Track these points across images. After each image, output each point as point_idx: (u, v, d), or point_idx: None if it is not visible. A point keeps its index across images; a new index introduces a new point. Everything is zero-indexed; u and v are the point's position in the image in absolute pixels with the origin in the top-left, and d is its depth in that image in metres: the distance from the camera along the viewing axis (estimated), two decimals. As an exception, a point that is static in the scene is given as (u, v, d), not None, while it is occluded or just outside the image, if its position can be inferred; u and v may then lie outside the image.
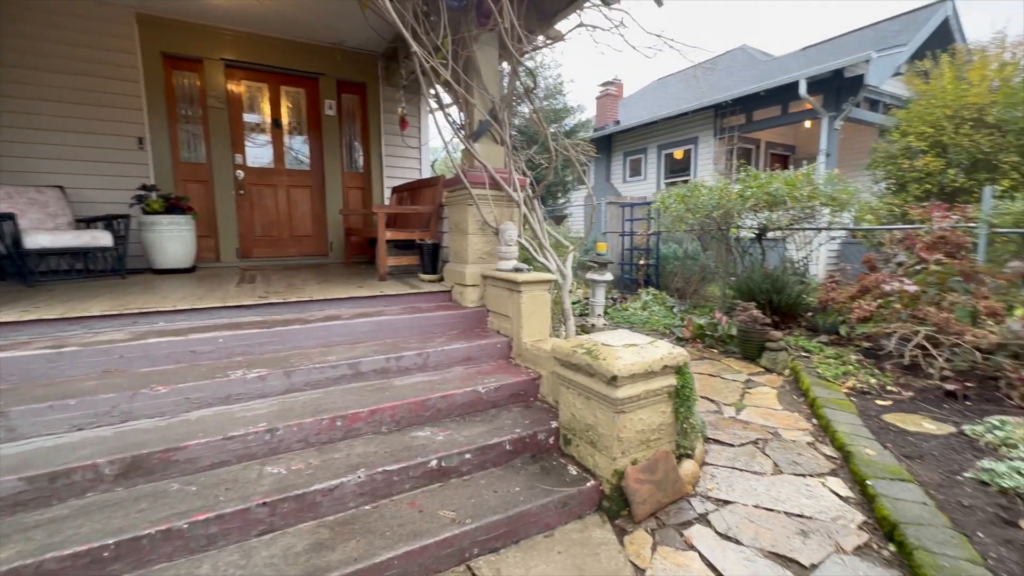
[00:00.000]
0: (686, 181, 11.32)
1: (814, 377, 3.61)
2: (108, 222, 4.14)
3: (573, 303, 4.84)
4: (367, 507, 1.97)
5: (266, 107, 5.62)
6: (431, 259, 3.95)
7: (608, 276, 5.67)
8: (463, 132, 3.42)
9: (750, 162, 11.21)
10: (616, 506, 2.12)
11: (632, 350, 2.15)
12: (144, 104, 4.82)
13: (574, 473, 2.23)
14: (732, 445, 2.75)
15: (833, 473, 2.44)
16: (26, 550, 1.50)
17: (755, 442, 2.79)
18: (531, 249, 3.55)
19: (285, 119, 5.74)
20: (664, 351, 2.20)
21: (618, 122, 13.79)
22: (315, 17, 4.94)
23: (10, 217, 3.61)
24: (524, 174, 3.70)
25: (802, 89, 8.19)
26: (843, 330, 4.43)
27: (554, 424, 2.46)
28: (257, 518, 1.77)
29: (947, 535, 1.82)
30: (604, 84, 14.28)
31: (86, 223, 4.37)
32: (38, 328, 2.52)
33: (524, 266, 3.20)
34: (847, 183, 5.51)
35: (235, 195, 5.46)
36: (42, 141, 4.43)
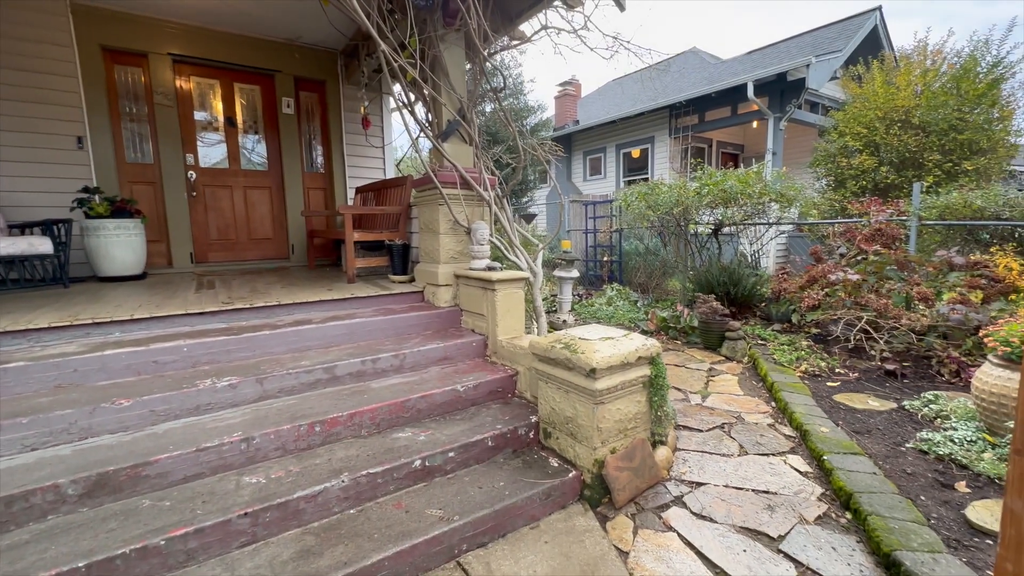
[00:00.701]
0: (645, 179, 11.69)
1: (771, 363, 3.84)
2: (47, 227, 3.85)
3: (542, 300, 4.88)
4: (352, 511, 1.95)
5: (219, 105, 5.38)
6: (401, 260, 3.91)
7: (575, 273, 5.79)
8: (431, 131, 3.41)
9: (703, 160, 11.70)
10: (597, 494, 2.19)
11: (608, 343, 2.23)
12: (83, 101, 4.50)
13: (555, 465, 2.29)
14: (700, 430, 2.90)
15: (793, 451, 2.62)
16: (-15, 580, 1.40)
17: (721, 426, 2.95)
18: (502, 248, 3.60)
19: (240, 117, 5.51)
20: (639, 343, 2.30)
21: (577, 122, 14.04)
22: (269, 11, 4.77)
23: (-67, 224, 3.30)
24: (492, 173, 3.73)
25: (750, 91, 8.63)
26: (795, 318, 4.73)
27: (533, 419, 2.51)
28: (239, 529, 1.72)
29: (895, 500, 2.00)
30: (563, 84, 14.49)
31: (20, 229, 4.05)
32: (-23, 343, 2.33)
33: (497, 265, 3.23)
34: (793, 180, 5.87)
35: (187, 197, 5.19)
36: (-34, 140, 4.07)
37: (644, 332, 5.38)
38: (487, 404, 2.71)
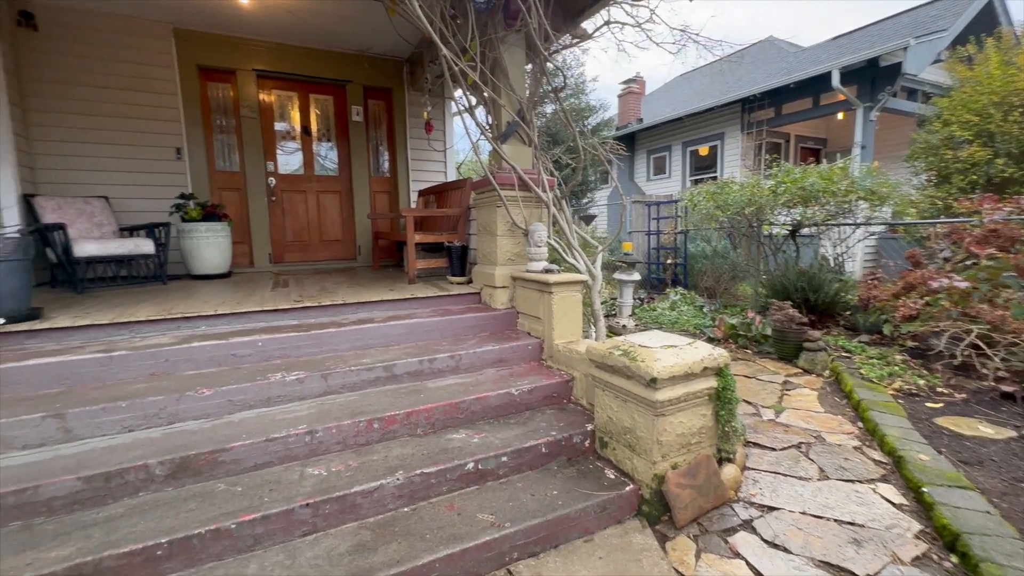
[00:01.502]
0: (713, 178, 11.11)
1: (857, 378, 3.47)
2: (150, 230, 4.30)
3: (601, 303, 4.71)
4: (406, 509, 1.97)
5: (296, 115, 5.76)
6: (459, 261, 3.96)
7: (636, 276, 5.60)
8: (491, 133, 3.42)
9: (780, 156, 10.91)
10: (656, 511, 2.07)
11: (671, 352, 2.10)
12: (181, 116, 5.00)
13: (612, 477, 2.20)
14: (774, 449, 2.67)
15: (884, 479, 2.34)
16: (86, 547, 1.56)
17: (798, 446, 2.70)
18: (560, 249, 3.53)
19: (314, 126, 5.86)
20: (704, 352, 2.15)
21: (641, 120, 13.62)
22: (343, 25, 5.03)
23: (61, 227, 3.78)
24: (551, 174, 3.68)
25: (835, 80, 7.92)
26: (887, 329, 4.25)
27: (589, 427, 2.43)
28: (301, 519, 1.80)
29: (1016, 546, 1.71)
30: (626, 82, 14.12)
31: (129, 231, 4.55)
32: (90, 333, 2.63)
33: (554, 267, 3.17)
34: (886, 176, 5.30)
35: (267, 202, 5.60)
36: (87, 154, 4.64)
37: (710, 340, 5.08)
38: (542, 409, 2.66)
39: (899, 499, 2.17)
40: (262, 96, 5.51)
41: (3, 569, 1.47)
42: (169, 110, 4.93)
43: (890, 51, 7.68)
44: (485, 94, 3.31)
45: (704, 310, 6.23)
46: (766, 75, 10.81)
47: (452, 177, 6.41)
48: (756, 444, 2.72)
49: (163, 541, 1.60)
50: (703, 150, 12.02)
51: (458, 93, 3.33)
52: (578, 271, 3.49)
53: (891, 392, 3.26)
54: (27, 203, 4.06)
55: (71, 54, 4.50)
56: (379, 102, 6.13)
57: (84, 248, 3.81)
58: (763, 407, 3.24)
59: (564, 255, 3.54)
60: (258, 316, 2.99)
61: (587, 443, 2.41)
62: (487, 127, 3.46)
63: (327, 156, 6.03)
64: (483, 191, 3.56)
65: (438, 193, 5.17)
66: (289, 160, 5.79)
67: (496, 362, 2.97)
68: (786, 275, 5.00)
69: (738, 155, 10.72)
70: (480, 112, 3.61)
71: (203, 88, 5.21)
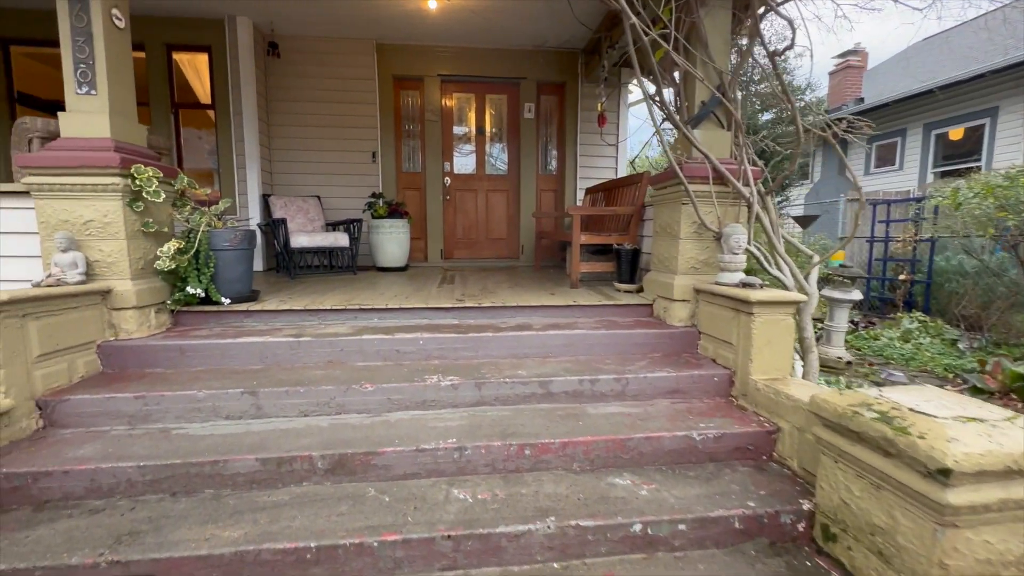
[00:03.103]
0: (971, 169, 8.37)
1: None
2: (347, 225, 4.84)
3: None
4: (555, 565, 1.64)
5: (472, 116, 5.96)
6: (629, 266, 3.50)
7: (856, 295, 4.38)
8: (680, 116, 2.88)
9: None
10: (928, 668, 1.35)
11: (974, 428, 1.34)
12: (378, 123, 5.55)
13: (845, 591, 1.53)
14: None
15: None
16: (251, 534, 1.59)
17: None
18: (761, 258, 2.82)
19: (488, 126, 6.00)
20: (1040, 438, 1.33)
21: (862, 99, 11.05)
22: (520, 22, 4.97)
23: (283, 222, 4.46)
24: (754, 164, 2.96)
25: None
26: None
27: (806, 505, 1.77)
28: (441, 551, 1.60)
29: None
30: (842, 55, 11.61)
31: (333, 227, 5.21)
32: (288, 317, 2.93)
33: (755, 280, 2.50)
34: None
35: (442, 200, 5.91)
36: (306, 159, 5.48)
37: (976, 390, 3.65)
38: (731, 464, 2.07)
39: None
40: (444, 100, 5.82)
41: (190, 537, 1.57)
42: (368, 118, 5.52)
43: None
44: (675, 73, 2.79)
45: (960, 346, 4.59)
46: (1081, 21, 7.67)
47: (623, 174, 5.93)
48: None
49: (312, 545, 1.55)
50: (955, 133, 9.19)
51: (644, 70, 2.87)
52: (783, 286, 2.74)
53: None
54: (264, 201, 4.92)
55: (296, 75, 5.34)
56: (551, 97, 5.98)
57: (298, 240, 4.43)
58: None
59: (767, 265, 2.82)
60: (422, 312, 3.01)
61: (801, 527, 1.76)
62: (675, 109, 2.92)
63: (497, 156, 6.12)
64: (664, 186, 3.03)
65: (607, 191, 4.76)
66: (463, 160, 6.02)
67: (671, 392, 2.45)
68: None
69: (1022, 136, 7.85)
70: (667, 94, 3.08)
71: (396, 96, 5.71)
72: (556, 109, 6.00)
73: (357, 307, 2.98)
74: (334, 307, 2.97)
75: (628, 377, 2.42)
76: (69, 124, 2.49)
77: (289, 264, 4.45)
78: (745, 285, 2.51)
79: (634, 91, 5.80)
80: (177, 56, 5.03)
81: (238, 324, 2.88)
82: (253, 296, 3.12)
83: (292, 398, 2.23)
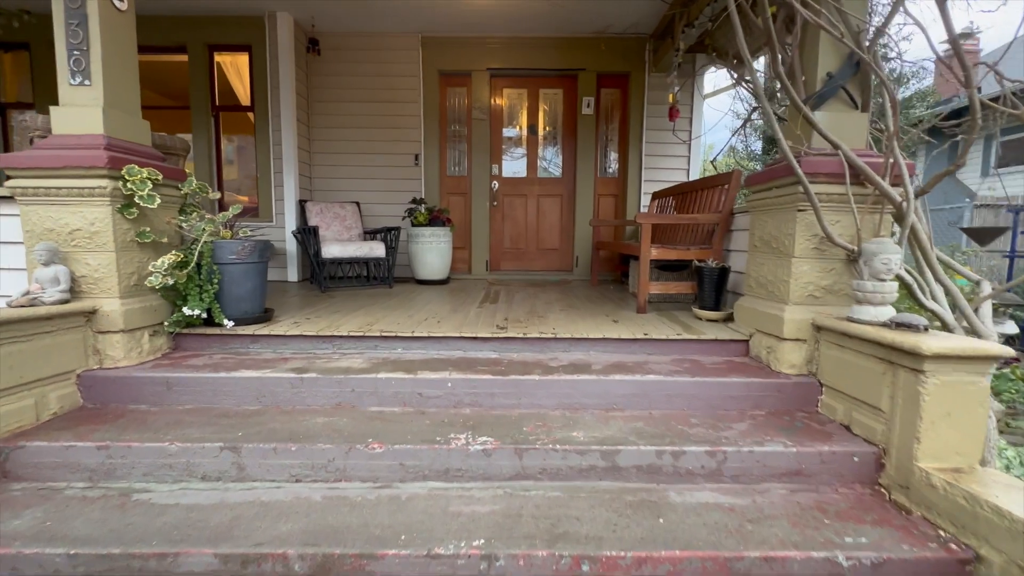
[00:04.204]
0: None
1: None
2: (384, 234, 4.42)
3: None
4: None
5: (523, 114, 5.41)
6: (714, 289, 2.78)
7: (1010, 327, 3.41)
8: (796, 94, 2.16)
9: None
10: None
11: None
12: (421, 123, 5.13)
13: None
14: None
15: None
16: None
17: None
18: (914, 285, 2.04)
19: (541, 124, 5.42)
20: None
21: (979, 88, 9.44)
22: (580, 4, 4.37)
23: (314, 230, 4.10)
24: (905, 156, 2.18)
25: None
26: None
27: None
28: None
29: None
30: (957, 37, 10.00)
31: (372, 235, 4.82)
32: (298, 344, 2.49)
33: (918, 320, 1.74)
34: None
35: (489, 206, 5.40)
36: (345, 163, 5.15)
37: None
38: (905, 612, 1.34)
39: None
40: (493, 97, 5.31)
41: None
42: (411, 118, 5.11)
43: None
44: (798, 14, 2.08)
45: None
46: None
47: (695, 176, 5.14)
48: None
49: None
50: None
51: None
52: (943, 323, 1.96)
53: None
54: (301, 207, 4.61)
55: (337, 74, 5.02)
56: (613, 90, 5.30)
57: (329, 250, 4.06)
58: None
59: (920, 296, 2.03)
60: (454, 343, 2.47)
61: None
62: (787, 83, 2.20)
63: (551, 157, 5.52)
64: (767, 187, 2.32)
65: (679, 195, 4.03)
66: (513, 163, 5.48)
67: (789, 475, 1.74)
68: None
69: None
70: (759, 77, 2.37)
71: (442, 93, 5.27)
72: (618, 103, 5.32)
73: (378, 334, 2.48)
74: (351, 333, 2.49)
75: (726, 449, 1.74)
76: (61, 119, 2.17)
77: (320, 275, 4.08)
78: (901, 325, 1.76)
79: (708, 82, 5.02)
80: (219, 58, 4.87)
81: (242, 351, 2.47)
82: (265, 316, 2.71)
83: (282, 457, 1.74)
